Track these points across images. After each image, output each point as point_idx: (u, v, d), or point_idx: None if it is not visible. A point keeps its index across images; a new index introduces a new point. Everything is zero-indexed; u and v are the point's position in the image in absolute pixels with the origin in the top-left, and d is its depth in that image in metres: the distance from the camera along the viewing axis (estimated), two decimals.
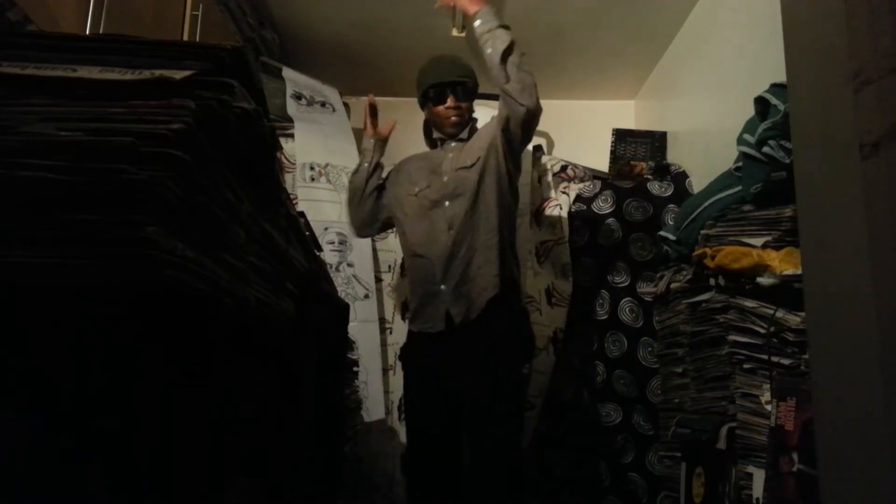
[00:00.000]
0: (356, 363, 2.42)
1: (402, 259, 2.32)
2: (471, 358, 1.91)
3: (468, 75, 2.17)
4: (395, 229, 2.38)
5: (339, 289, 2.36)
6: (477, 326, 1.94)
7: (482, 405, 1.88)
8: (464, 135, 2.18)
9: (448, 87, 2.13)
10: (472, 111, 2.21)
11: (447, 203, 2.05)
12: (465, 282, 1.97)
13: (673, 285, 2.27)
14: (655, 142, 3.33)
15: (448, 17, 3.04)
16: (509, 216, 2.08)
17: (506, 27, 2.03)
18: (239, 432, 0.83)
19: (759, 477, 1.53)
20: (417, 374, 2.05)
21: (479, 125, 2.22)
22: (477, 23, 2.03)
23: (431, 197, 2.08)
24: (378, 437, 2.69)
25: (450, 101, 2.12)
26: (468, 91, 2.17)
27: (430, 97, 2.16)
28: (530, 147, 3.29)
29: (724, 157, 2.21)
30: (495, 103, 2.10)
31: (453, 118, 2.14)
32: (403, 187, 2.18)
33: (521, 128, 2.00)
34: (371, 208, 2.25)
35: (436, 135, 2.23)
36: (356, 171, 2.30)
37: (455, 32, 3.06)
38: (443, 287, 1.98)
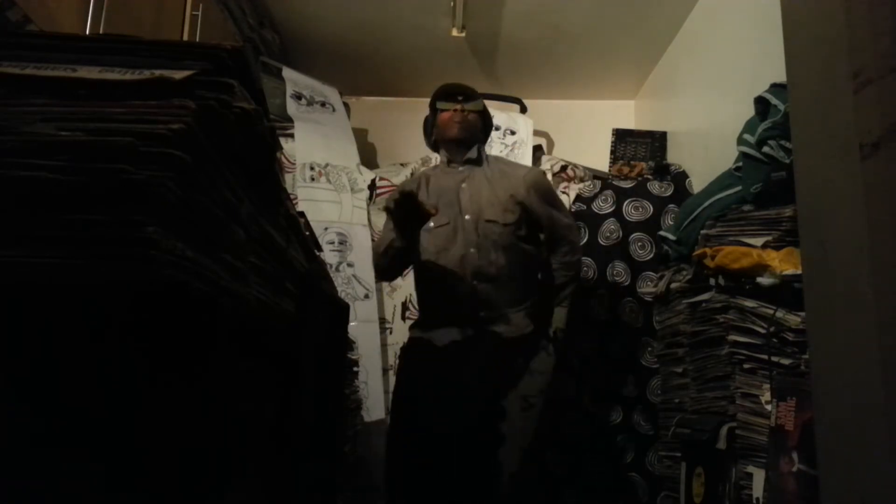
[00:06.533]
0: (356, 363, 2.42)
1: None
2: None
3: (479, 98, 2.15)
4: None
5: (339, 289, 2.36)
6: None
7: None
8: (472, 154, 2.11)
9: (458, 90, 2.11)
10: (482, 138, 2.17)
11: (472, 249, 2.00)
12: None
13: (673, 285, 2.27)
14: (655, 142, 3.33)
15: (448, 17, 3.04)
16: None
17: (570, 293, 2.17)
18: (238, 432, 0.83)
19: (759, 477, 1.53)
20: None
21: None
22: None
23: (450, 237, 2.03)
24: (378, 437, 2.69)
25: (456, 105, 2.09)
26: (480, 108, 2.13)
27: (438, 98, 2.13)
28: (530, 147, 3.30)
29: (724, 157, 2.21)
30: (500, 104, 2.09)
31: (457, 121, 2.07)
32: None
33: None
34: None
35: (443, 155, 2.16)
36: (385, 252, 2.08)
37: (455, 32, 3.05)
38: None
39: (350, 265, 2.80)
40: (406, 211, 1.83)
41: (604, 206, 2.94)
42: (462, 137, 2.09)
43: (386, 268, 2.12)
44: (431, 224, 2.01)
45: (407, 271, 2.38)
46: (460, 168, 2.11)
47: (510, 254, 2.02)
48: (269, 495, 1.00)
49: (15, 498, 0.53)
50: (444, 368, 1.94)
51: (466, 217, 2.03)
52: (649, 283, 2.71)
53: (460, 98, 2.11)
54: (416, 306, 2.80)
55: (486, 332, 1.97)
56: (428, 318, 2.09)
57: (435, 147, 2.21)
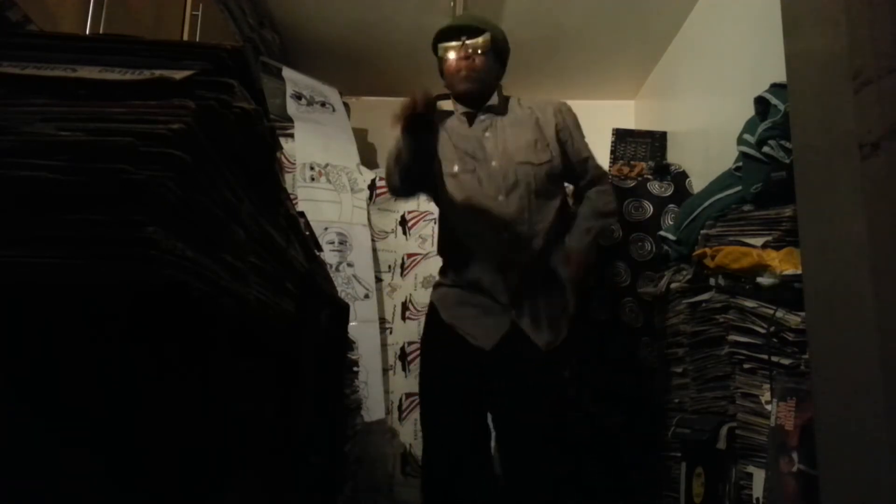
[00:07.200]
0: (356, 363, 2.42)
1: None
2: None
3: (488, 28, 1.85)
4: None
5: (339, 289, 2.36)
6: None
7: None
8: (493, 101, 1.88)
9: (456, 32, 1.83)
10: (496, 74, 1.92)
11: (500, 198, 1.81)
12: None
13: (673, 285, 2.27)
14: (655, 142, 3.33)
15: (448, 17, 3.04)
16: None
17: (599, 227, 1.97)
18: (238, 432, 0.83)
19: (759, 477, 1.53)
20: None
21: None
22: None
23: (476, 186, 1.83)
24: (378, 437, 2.70)
25: (460, 52, 1.81)
26: (487, 44, 1.82)
27: (440, 53, 1.86)
28: None
29: (724, 157, 2.21)
30: None
31: (463, 72, 1.82)
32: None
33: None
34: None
35: (457, 108, 1.92)
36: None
37: None
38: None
39: (350, 265, 2.80)
40: (415, 118, 1.61)
41: None
42: (471, 90, 1.85)
43: (397, 185, 1.82)
44: (456, 168, 1.84)
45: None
46: (482, 117, 1.88)
47: (543, 200, 1.83)
48: (269, 495, 1.00)
49: (15, 498, 0.53)
50: (472, 380, 1.81)
51: (493, 164, 1.82)
52: (649, 283, 2.71)
53: (462, 37, 1.82)
54: (416, 306, 2.80)
55: (520, 339, 1.79)
56: (454, 286, 1.87)
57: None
